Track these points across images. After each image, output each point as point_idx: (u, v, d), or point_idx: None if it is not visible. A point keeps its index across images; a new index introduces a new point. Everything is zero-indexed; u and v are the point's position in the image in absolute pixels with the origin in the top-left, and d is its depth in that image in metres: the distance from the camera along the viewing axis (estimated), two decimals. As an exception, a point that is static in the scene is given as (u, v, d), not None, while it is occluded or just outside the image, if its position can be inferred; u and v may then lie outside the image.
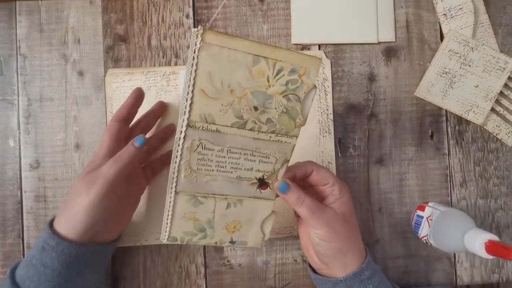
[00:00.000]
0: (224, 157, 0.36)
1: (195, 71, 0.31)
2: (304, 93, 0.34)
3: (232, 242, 0.42)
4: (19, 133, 0.49)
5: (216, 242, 0.42)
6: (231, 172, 0.37)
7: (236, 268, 0.48)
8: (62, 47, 0.49)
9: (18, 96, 0.49)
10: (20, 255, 0.48)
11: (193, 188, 0.38)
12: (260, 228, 0.42)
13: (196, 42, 0.30)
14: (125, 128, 0.42)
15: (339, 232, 0.37)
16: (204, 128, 0.34)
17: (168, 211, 0.39)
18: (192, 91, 0.32)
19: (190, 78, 0.32)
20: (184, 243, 0.41)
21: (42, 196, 0.48)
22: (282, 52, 0.32)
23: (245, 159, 0.37)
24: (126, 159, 0.37)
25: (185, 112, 0.33)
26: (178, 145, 0.35)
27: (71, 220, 0.36)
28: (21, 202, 0.48)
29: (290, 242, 0.48)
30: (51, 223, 0.38)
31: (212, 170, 0.37)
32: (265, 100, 0.33)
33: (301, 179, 0.40)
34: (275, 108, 0.34)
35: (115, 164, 0.37)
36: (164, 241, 0.40)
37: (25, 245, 0.48)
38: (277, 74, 0.32)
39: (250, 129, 0.35)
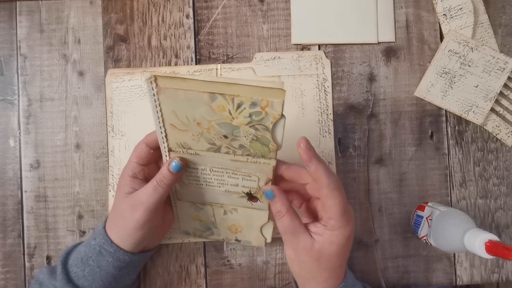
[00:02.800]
0: (208, 174, 0.37)
1: (160, 110, 0.32)
2: (271, 123, 0.31)
3: (237, 240, 0.44)
4: (20, 133, 0.49)
5: (223, 239, 0.45)
6: (219, 186, 0.38)
7: (236, 268, 0.48)
8: (63, 47, 0.49)
9: (19, 96, 0.49)
10: (20, 255, 0.48)
11: (191, 197, 0.40)
12: (261, 232, 0.43)
13: (152, 87, 0.31)
14: (155, 152, 0.39)
15: (303, 263, 0.36)
16: (184, 152, 0.35)
17: (176, 212, 0.43)
18: (163, 126, 0.34)
19: (158, 116, 0.33)
20: (196, 237, 0.45)
21: (43, 196, 0.48)
22: (238, 87, 0.29)
23: (228, 176, 0.37)
24: (164, 187, 0.37)
25: (163, 142, 0.35)
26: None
27: (122, 236, 0.39)
28: (21, 202, 0.48)
29: (290, 242, 0.48)
30: (104, 227, 0.40)
31: (202, 184, 0.39)
32: (232, 130, 0.32)
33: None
34: (245, 136, 0.33)
35: (155, 193, 0.37)
36: (181, 233, 0.45)
37: (25, 245, 0.48)
38: (237, 108, 0.31)
39: (226, 153, 0.35)
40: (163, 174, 0.36)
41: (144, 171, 0.39)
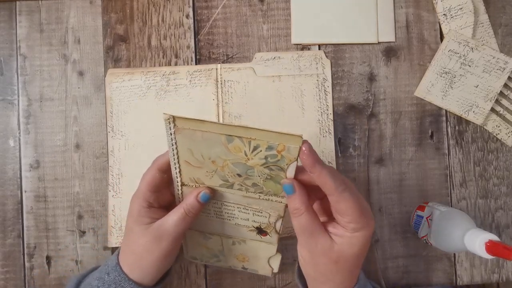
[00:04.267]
0: (219, 208, 0.38)
1: (176, 148, 0.33)
2: (287, 164, 0.32)
3: (244, 268, 0.45)
4: (19, 133, 0.49)
5: (230, 266, 0.45)
6: (229, 219, 0.39)
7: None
8: (62, 47, 0.49)
9: (18, 96, 0.49)
10: (20, 255, 0.48)
11: (200, 227, 0.41)
12: (268, 263, 0.43)
13: (170, 127, 0.31)
14: (167, 176, 0.37)
15: (319, 266, 0.34)
16: (196, 186, 0.36)
17: (184, 239, 0.43)
18: (178, 162, 0.34)
19: (173, 153, 0.34)
20: (203, 263, 0.45)
21: (42, 196, 0.48)
22: (256, 132, 0.30)
23: (239, 211, 0.37)
24: (192, 216, 0.36)
25: (176, 177, 0.36)
26: (179, 198, 0.38)
27: (143, 271, 0.38)
28: (21, 202, 0.48)
29: (290, 242, 0.48)
30: (118, 262, 0.38)
31: (212, 216, 0.39)
32: (247, 170, 0.33)
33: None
34: (259, 176, 0.33)
35: (183, 222, 0.36)
36: (187, 258, 0.45)
37: (25, 245, 0.48)
38: (254, 150, 0.31)
39: (238, 189, 0.35)
40: (192, 204, 0.36)
41: (159, 198, 0.38)
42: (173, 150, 0.33)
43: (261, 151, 0.31)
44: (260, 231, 0.39)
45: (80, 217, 0.48)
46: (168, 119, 0.31)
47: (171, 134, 0.32)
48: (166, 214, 0.37)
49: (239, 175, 0.34)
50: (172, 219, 0.36)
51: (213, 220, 0.40)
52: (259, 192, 0.35)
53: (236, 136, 0.31)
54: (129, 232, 0.38)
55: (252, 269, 0.45)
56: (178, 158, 0.34)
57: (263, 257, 0.43)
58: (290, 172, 0.32)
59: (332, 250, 0.33)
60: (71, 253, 0.48)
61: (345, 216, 0.32)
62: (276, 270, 0.44)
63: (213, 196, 0.37)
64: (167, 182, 0.38)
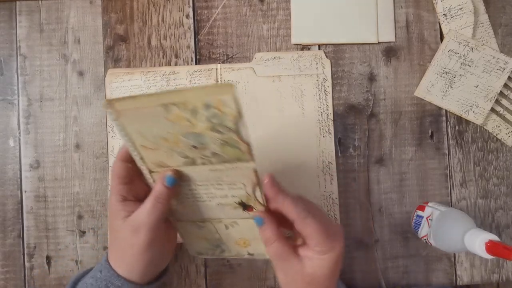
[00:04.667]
0: (195, 189, 0.37)
1: (127, 134, 0.32)
2: (231, 121, 0.30)
3: (250, 254, 0.43)
4: (19, 133, 0.49)
5: (235, 255, 0.43)
6: (210, 200, 0.38)
7: (236, 268, 0.48)
8: (62, 47, 0.49)
9: (18, 96, 0.49)
10: (20, 255, 0.48)
11: (188, 216, 0.40)
12: None
13: (110, 113, 0.31)
14: (133, 165, 0.37)
15: (295, 287, 0.35)
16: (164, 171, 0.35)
17: (180, 234, 0.42)
18: (136, 148, 0.34)
19: (127, 140, 0.33)
20: (209, 256, 0.44)
21: (42, 196, 0.48)
22: (186, 93, 0.29)
23: (214, 188, 0.36)
24: (162, 202, 0.36)
25: (141, 164, 0.35)
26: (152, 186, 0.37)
27: (129, 264, 0.38)
28: (21, 202, 0.48)
29: (290, 242, 0.48)
30: (107, 259, 0.39)
31: (193, 201, 0.38)
32: (198, 139, 0.32)
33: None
34: (213, 143, 0.32)
35: (154, 210, 0.36)
36: (193, 254, 0.44)
37: (25, 245, 0.48)
38: (193, 114, 0.30)
39: (202, 164, 0.34)
40: (159, 190, 0.35)
41: (132, 191, 0.38)
42: (125, 137, 0.33)
43: (200, 112, 0.30)
44: (244, 206, 0.37)
45: (80, 217, 0.48)
46: (105, 105, 0.30)
47: (115, 119, 0.31)
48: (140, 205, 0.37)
49: (195, 147, 0.33)
50: (144, 208, 0.36)
51: (195, 205, 0.38)
52: (223, 162, 0.33)
53: (171, 104, 0.30)
54: (110, 228, 0.39)
55: (258, 253, 0.43)
56: (134, 144, 0.33)
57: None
58: (244, 133, 0.31)
59: (304, 272, 0.35)
60: (71, 253, 0.48)
61: (310, 239, 0.34)
62: None
63: (179, 178, 0.36)
64: (136, 172, 0.37)
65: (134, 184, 0.38)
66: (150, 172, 0.36)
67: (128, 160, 0.37)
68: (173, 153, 0.34)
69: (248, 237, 0.41)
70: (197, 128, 0.31)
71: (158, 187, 0.35)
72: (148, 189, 0.38)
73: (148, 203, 0.36)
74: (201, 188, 0.36)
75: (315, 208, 0.36)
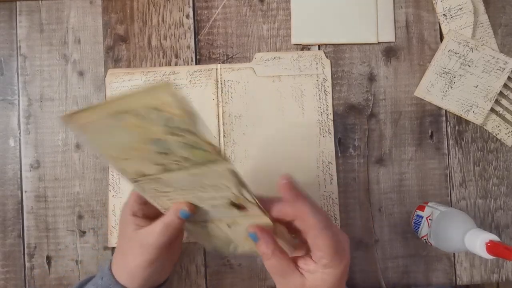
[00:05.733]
0: (182, 194, 0.36)
1: (96, 147, 0.32)
2: (185, 122, 0.28)
3: None
4: (20, 133, 0.49)
5: (250, 250, 0.41)
6: (201, 203, 0.37)
7: (236, 268, 0.48)
8: (63, 47, 0.49)
9: (19, 96, 0.49)
10: (20, 255, 0.48)
11: (191, 217, 0.38)
12: None
13: (70, 128, 0.30)
14: None
15: None
16: (145, 180, 0.34)
17: (190, 234, 0.42)
18: (110, 160, 0.33)
19: (98, 152, 0.33)
20: (228, 253, 0.44)
21: (43, 196, 0.48)
22: (127, 98, 0.28)
23: (200, 191, 0.35)
24: (171, 230, 0.36)
25: (124, 175, 0.34)
26: (145, 196, 0.37)
27: (130, 274, 0.38)
28: (21, 202, 0.48)
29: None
30: (110, 267, 0.39)
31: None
32: (161, 144, 0.30)
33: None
34: (179, 147, 0.30)
35: (162, 235, 0.36)
36: (210, 251, 0.43)
37: (25, 245, 0.48)
38: (144, 119, 0.28)
39: (178, 169, 0.33)
40: (172, 219, 0.36)
41: (143, 210, 0.39)
42: (95, 150, 0.32)
43: (152, 117, 0.28)
44: (236, 206, 0.35)
45: (80, 217, 0.48)
46: (63, 119, 0.29)
47: (76, 134, 0.31)
48: (151, 222, 0.37)
49: (165, 153, 0.31)
50: (153, 230, 0.36)
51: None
52: (196, 165, 0.32)
53: (120, 113, 0.28)
54: (121, 236, 0.40)
55: None
56: (106, 155, 0.33)
57: None
58: (205, 133, 0.30)
59: (304, 286, 0.33)
60: (71, 253, 0.48)
61: (318, 251, 0.32)
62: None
63: (194, 213, 0.36)
64: None
65: (147, 205, 0.38)
66: (135, 181, 0.35)
67: None
68: (144, 161, 0.32)
69: None
70: (156, 134, 0.29)
71: (171, 216, 0.36)
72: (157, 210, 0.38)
73: (159, 226, 0.36)
74: (187, 192, 0.35)
75: (330, 218, 0.34)
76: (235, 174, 0.32)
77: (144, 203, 0.38)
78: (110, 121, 0.29)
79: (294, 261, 0.34)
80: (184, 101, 0.27)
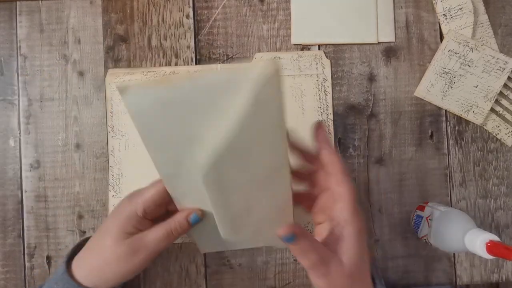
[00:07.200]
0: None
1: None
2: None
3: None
4: (20, 133, 0.49)
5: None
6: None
7: (236, 268, 0.48)
8: (63, 47, 0.49)
9: (19, 96, 0.49)
10: (20, 255, 0.48)
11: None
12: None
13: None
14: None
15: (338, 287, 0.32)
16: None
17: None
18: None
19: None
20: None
21: (43, 196, 0.48)
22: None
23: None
24: (177, 235, 0.34)
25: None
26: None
27: (102, 280, 0.35)
28: (21, 202, 0.48)
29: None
30: (66, 268, 0.36)
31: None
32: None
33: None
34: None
35: (166, 240, 0.34)
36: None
37: (25, 245, 0.48)
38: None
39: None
40: (180, 223, 0.34)
41: (156, 213, 0.35)
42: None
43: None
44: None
45: (80, 217, 0.48)
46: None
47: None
48: (151, 226, 0.35)
49: None
50: (155, 234, 0.34)
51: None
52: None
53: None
54: (103, 233, 0.35)
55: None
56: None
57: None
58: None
59: (343, 266, 0.32)
60: (71, 253, 0.48)
61: (340, 200, 0.32)
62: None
63: (202, 218, 0.34)
64: (171, 199, 0.35)
65: (160, 207, 0.36)
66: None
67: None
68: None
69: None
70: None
71: (180, 220, 0.34)
72: (164, 213, 0.36)
73: (162, 231, 0.34)
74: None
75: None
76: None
77: (160, 204, 0.35)
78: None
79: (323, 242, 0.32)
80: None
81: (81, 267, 0.36)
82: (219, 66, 0.49)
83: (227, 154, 0.27)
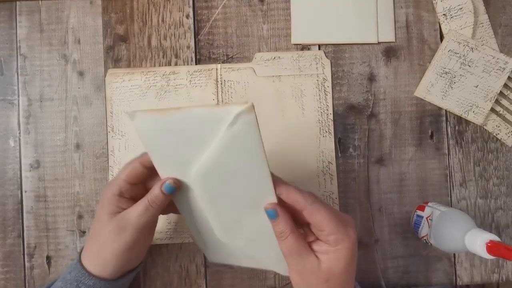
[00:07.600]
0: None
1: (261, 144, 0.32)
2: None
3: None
4: (19, 133, 0.49)
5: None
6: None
7: (236, 268, 0.48)
8: (62, 47, 0.49)
9: (18, 96, 0.49)
10: (20, 255, 0.48)
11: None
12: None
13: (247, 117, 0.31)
14: (148, 172, 0.37)
15: (311, 287, 0.33)
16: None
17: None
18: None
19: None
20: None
21: (43, 196, 0.48)
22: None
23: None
24: (156, 207, 0.36)
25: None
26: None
27: (104, 262, 0.37)
28: (21, 202, 0.48)
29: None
30: (79, 259, 0.38)
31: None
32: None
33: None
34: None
35: (146, 213, 0.35)
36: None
37: (25, 245, 0.48)
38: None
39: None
40: (155, 194, 0.35)
41: (132, 191, 0.37)
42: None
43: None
44: None
45: (80, 217, 0.48)
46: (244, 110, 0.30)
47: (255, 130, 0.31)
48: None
49: None
50: (135, 209, 0.36)
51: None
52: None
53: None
54: (96, 221, 0.38)
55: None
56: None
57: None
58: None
59: (320, 269, 0.33)
60: (71, 253, 0.48)
61: (323, 228, 0.33)
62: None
63: (178, 187, 0.35)
64: (146, 177, 0.37)
65: (137, 186, 0.38)
66: None
67: (148, 167, 0.36)
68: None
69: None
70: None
71: (155, 192, 0.35)
72: (144, 193, 0.37)
73: (141, 205, 0.36)
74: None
75: (317, 197, 0.35)
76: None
77: (134, 182, 0.37)
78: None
79: (309, 244, 0.34)
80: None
81: (85, 254, 0.39)
82: (219, 66, 0.49)
83: (212, 171, 0.33)
